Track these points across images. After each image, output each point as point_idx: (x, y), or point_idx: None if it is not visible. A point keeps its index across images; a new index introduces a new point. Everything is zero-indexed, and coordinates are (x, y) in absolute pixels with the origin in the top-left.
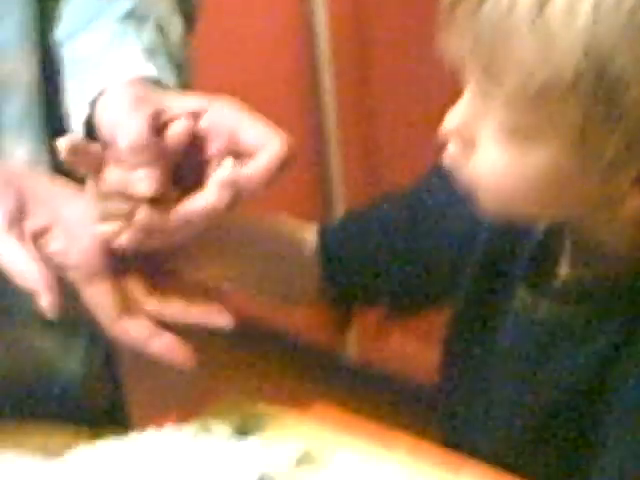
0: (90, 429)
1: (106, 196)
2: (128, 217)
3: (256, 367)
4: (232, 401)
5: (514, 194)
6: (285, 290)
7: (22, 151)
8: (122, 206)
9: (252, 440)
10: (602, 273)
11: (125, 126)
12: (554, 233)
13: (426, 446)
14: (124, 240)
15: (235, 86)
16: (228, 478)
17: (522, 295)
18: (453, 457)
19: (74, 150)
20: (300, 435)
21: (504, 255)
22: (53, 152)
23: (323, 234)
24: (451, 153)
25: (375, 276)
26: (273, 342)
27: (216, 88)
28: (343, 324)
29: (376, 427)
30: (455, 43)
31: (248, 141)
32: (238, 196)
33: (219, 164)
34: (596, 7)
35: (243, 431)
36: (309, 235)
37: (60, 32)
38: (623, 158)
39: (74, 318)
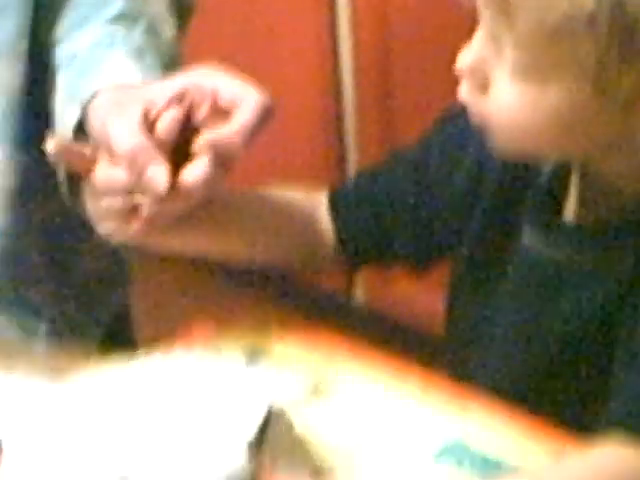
0: (97, 350)
1: (100, 194)
2: (129, 213)
3: (265, 308)
4: (243, 328)
5: (528, 132)
6: (300, 258)
7: None
8: (119, 203)
9: (263, 367)
10: (610, 212)
11: (119, 135)
12: (562, 173)
13: (435, 380)
14: (132, 234)
15: (255, 42)
16: (238, 404)
17: (530, 235)
18: (462, 391)
19: (61, 151)
20: (310, 366)
21: (512, 197)
22: (30, 154)
23: (334, 197)
24: (465, 92)
25: (388, 233)
26: (283, 285)
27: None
28: (351, 270)
29: (386, 360)
30: None
31: (226, 99)
32: (226, 156)
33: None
34: None
35: (254, 358)
36: (320, 200)
37: (55, 33)
38: (638, 96)
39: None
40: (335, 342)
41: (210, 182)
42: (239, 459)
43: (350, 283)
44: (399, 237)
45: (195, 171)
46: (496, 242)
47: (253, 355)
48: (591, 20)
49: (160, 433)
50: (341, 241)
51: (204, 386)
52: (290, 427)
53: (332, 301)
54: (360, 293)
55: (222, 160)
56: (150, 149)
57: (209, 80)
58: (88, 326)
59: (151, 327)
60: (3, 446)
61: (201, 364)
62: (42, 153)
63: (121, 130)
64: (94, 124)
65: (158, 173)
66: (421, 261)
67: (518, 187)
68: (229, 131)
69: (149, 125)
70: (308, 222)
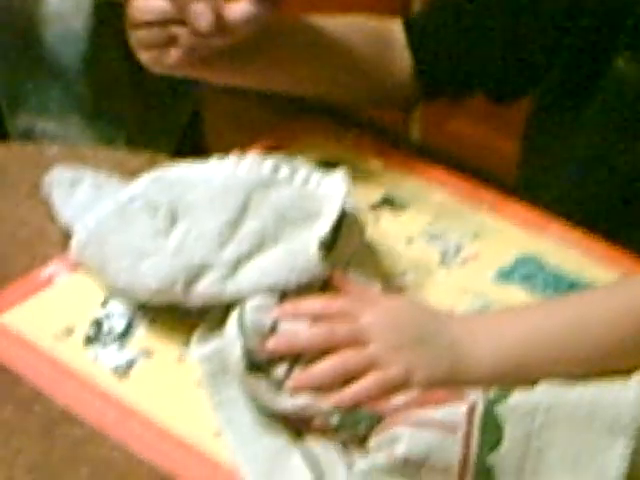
0: (172, 157)
1: (138, 22)
2: (167, 43)
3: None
4: (315, 141)
5: None
6: (375, 92)
7: None
8: (157, 33)
9: (338, 175)
10: None
11: None
12: None
13: (511, 203)
14: (171, 64)
15: None
16: (312, 206)
17: (623, 65)
18: (539, 216)
19: None
20: (381, 179)
21: (606, 27)
22: None
23: (411, 23)
24: None
25: (469, 63)
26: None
27: None
28: (409, 106)
29: (463, 183)
30: None
31: None
32: None
33: None
34: None
35: (329, 167)
36: (394, 27)
37: None
38: None
39: None
40: (408, 158)
41: (256, 18)
42: (311, 255)
43: (406, 122)
44: (480, 65)
45: (241, 7)
46: (588, 67)
47: (328, 165)
48: None
49: (234, 227)
50: (418, 70)
51: (279, 186)
52: (362, 231)
53: (388, 136)
54: (415, 131)
55: None
56: None
57: None
58: (164, 133)
59: (223, 137)
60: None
61: (276, 167)
62: None
63: None
64: None
65: (203, 8)
66: (500, 95)
67: (614, 17)
68: None
69: None
70: (380, 49)
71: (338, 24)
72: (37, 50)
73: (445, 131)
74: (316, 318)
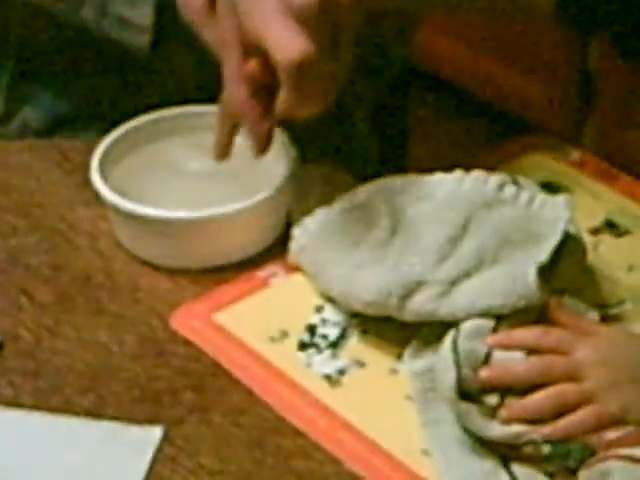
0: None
1: None
2: None
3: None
4: (537, 160)
5: None
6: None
7: None
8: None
9: (562, 196)
10: None
11: None
12: None
13: None
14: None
15: None
16: (535, 228)
17: None
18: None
19: None
20: (603, 203)
21: None
22: None
23: None
24: None
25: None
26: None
27: None
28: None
29: None
30: None
31: None
32: None
33: None
34: None
35: (549, 188)
36: None
37: None
38: None
39: None
40: (631, 185)
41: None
42: (530, 281)
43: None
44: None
45: None
46: None
47: (549, 186)
48: None
49: (454, 244)
50: None
51: (502, 206)
52: (583, 257)
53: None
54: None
55: None
56: None
57: None
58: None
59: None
60: None
61: (501, 186)
62: None
63: None
64: None
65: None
66: None
67: None
68: None
69: None
70: None
71: None
72: None
73: (620, 141)
74: (530, 349)
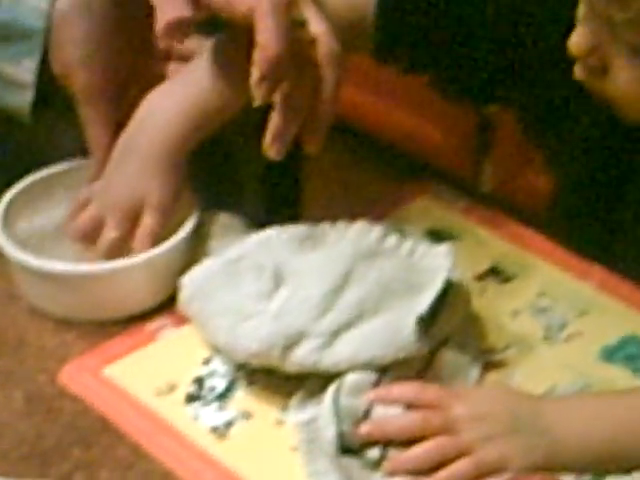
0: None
1: None
2: None
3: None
4: (424, 206)
5: None
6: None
7: None
8: None
9: (444, 245)
10: None
11: None
12: None
13: (618, 281)
14: None
15: None
16: (416, 276)
17: None
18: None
19: None
20: (489, 250)
21: None
22: None
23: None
24: (582, 74)
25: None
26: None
27: None
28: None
29: (570, 256)
30: None
31: None
32: None
33: None
34: None
35: (434, 237)
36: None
37: None
38: None
39: None
40: (518, 229)
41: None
42: (409, 332)
43: (478, 169)
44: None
45: None
46: None
47: (435, 234)
48: None
49: (336, 295)
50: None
51: (384, 256)
52: (467, 303)
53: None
54: (487, 181)
55: None
56: None
57: None
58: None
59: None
60: None
61: (383, 236)
62: None
63: None
64: None
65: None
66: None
67: None
68: None
69: None
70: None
71: None
72: None
73: (517, 183)
74: (409, 404)
